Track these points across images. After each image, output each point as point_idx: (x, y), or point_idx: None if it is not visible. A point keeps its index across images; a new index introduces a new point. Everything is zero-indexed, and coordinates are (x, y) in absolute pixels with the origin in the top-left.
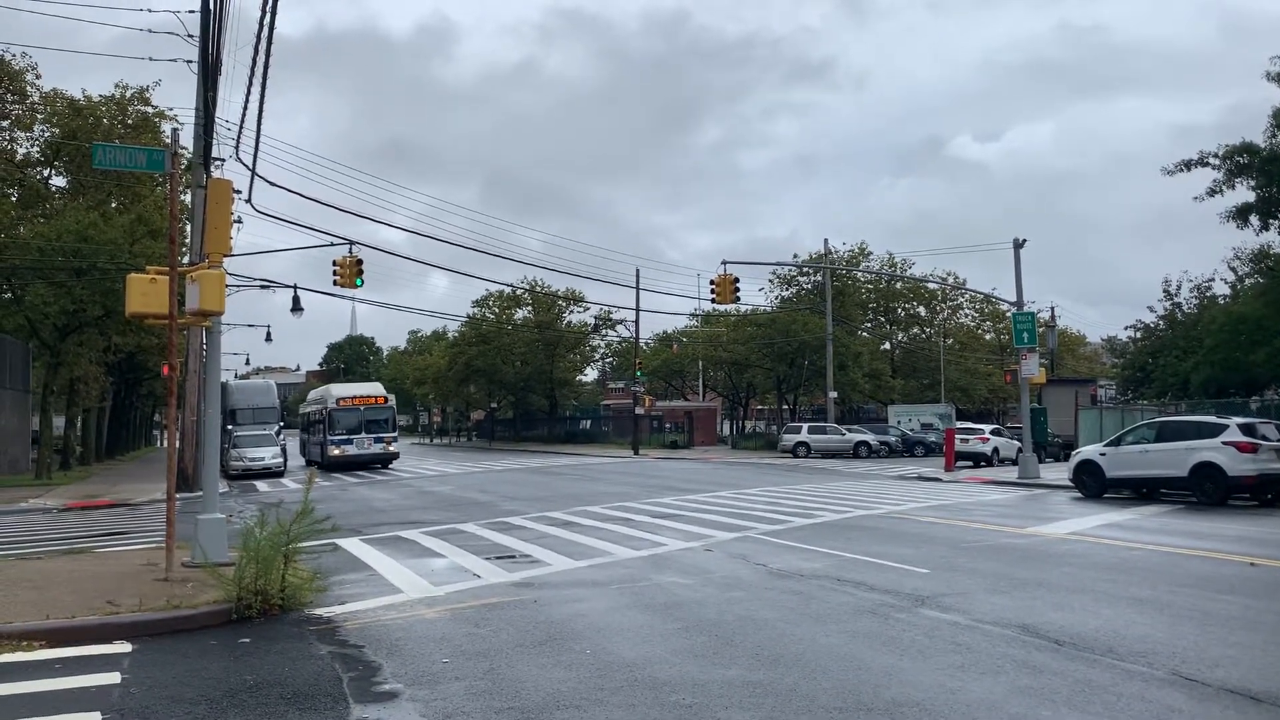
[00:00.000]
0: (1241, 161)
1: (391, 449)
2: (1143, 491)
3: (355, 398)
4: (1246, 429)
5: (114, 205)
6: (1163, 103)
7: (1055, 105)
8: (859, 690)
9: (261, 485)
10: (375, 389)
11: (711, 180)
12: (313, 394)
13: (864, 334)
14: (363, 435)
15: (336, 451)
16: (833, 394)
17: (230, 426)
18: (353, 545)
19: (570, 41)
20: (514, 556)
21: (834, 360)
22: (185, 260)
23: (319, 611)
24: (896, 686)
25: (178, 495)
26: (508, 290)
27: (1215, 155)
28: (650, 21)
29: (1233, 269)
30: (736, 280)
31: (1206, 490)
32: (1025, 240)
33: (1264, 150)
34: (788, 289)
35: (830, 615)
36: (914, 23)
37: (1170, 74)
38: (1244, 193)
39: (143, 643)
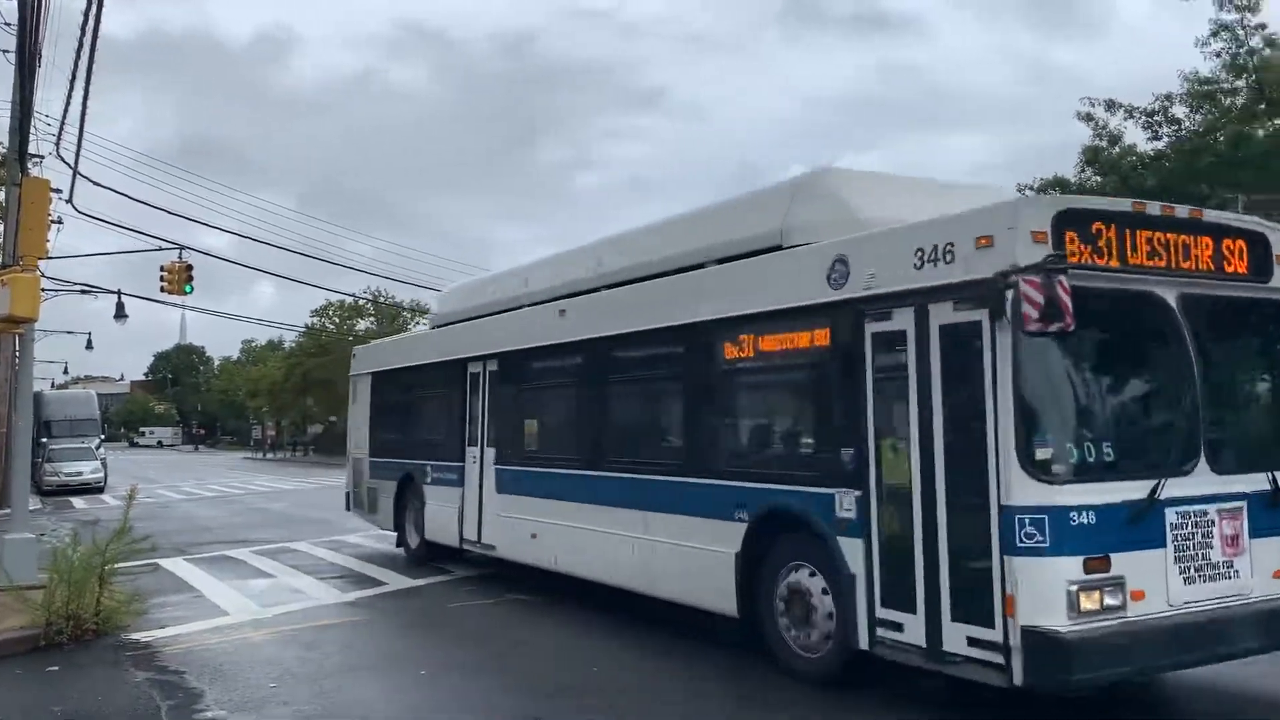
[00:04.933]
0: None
1: None
2: None
3: None
4: None
5: None
6: (976, 138)
7: (879, 139)
8: None
9: (78, 502)
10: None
11: (551, 199)
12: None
13: None
14: None
15: None
16: None
17: (45, 439)
18: (176, 565)
19: (415, 57)
20: (350, 575)
21: None
22: None
23: (137, 636)
24: None
25: None
26: (349, 300)
27: (1030, 188)
28: (497, 41)
29: None
30: None
31: None
32: None
33: (1074, 184)
34: None
35: None
36: (746, 56)
37: (981, 113)
38: None
39: None
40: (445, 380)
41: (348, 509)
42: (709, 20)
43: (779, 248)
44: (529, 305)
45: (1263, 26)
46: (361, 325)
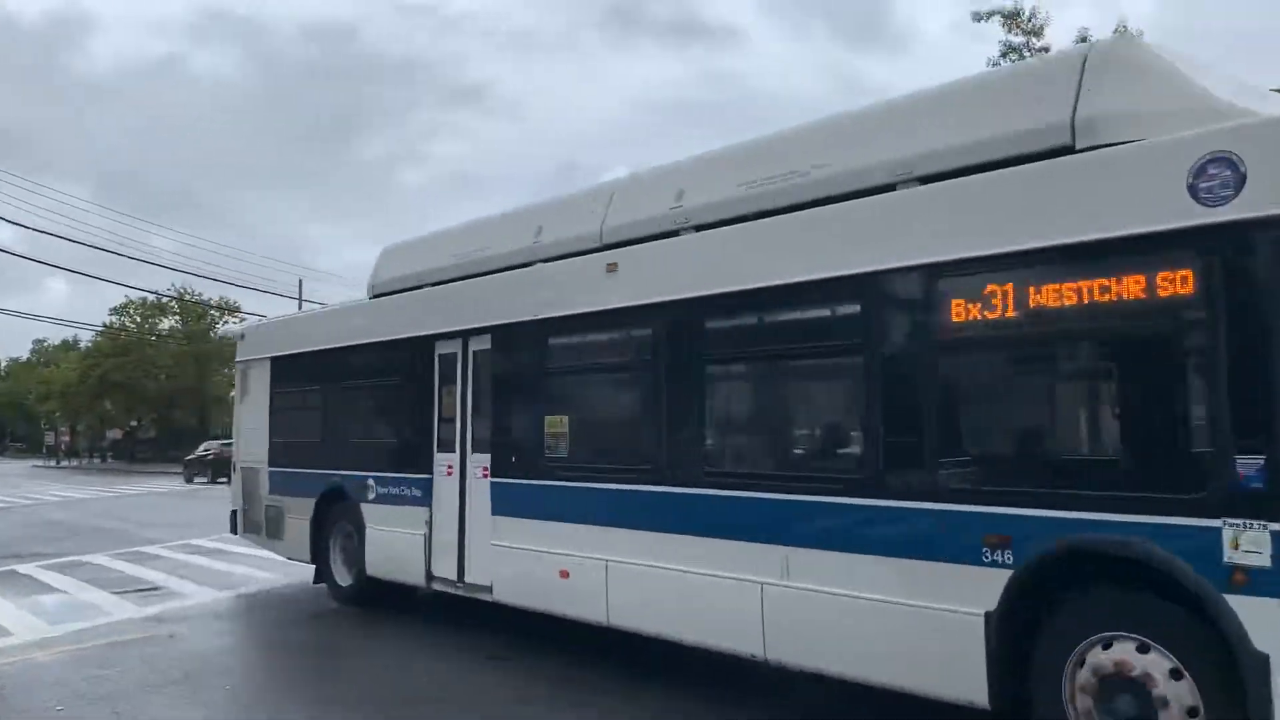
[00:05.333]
0: None
1: None
2: None
3: None
4: None
5: None
6: None
7: (700, 142)
8: None
9: None
10: None
11: (370, 195)
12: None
13: None
14: None
15: None
16: None
17: None
18: None
19: (222, 44)
20: (150, 589)
21: None
22: None
23: None
24: None
25: None
26: (152, 297)
27: None
28: (311, 31)
29: None
30: None
31: None
32: None
33: None
34: None
35: None
36: (569, 57)
37: (798, 122)
38: None
39: None
40: (397, 365)
41: (235, 532)
42: (532, 19)
43: (1068, 150)
44: (543, 261)
45: (1046, 49)
46: (165, 324)
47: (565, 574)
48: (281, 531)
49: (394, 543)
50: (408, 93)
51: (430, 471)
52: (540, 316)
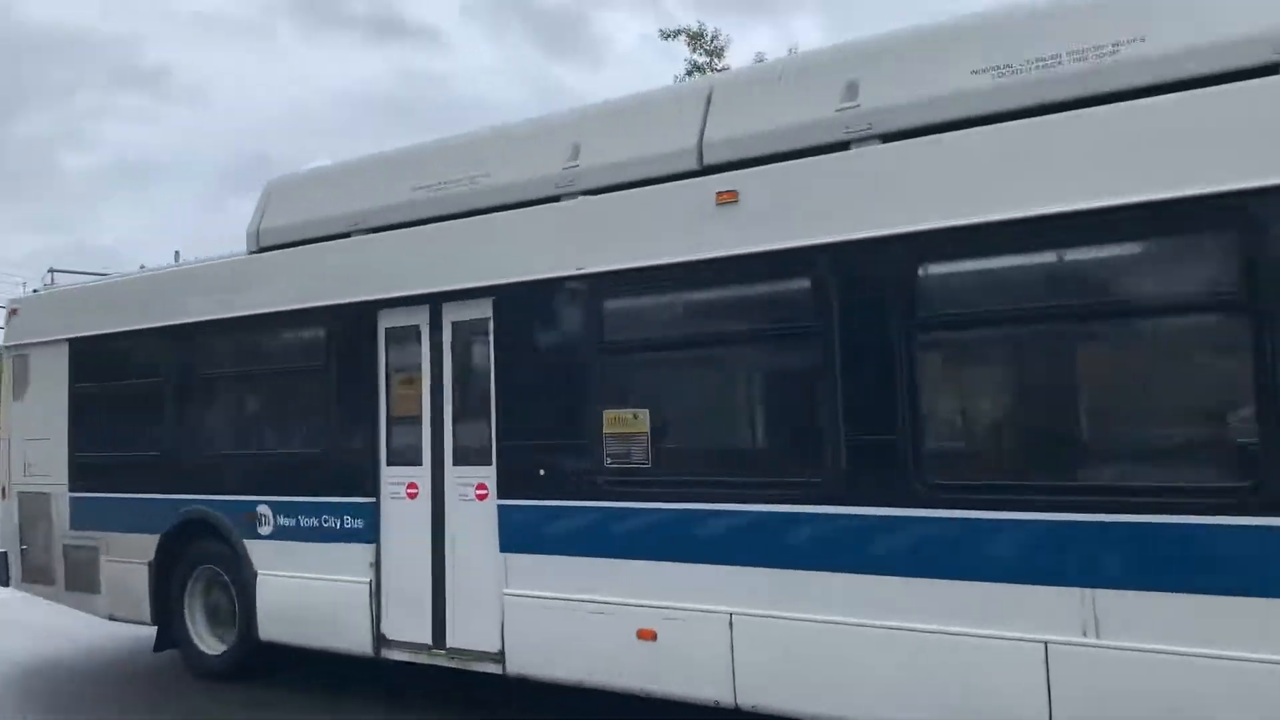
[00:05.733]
0: None
1: None
2: None
3: None
4: None
5: None
6: None
7: (402, 139)
8: None
9: None
10: None
11: (29, 178)
12: None
13: None
14: None
15: None
16: None
17: None
18: None
19: None
20: None
21: None
22: None
23: None
24: None
25: None
26: None
27: None
28: None
29: None
30: None
31: None
32: None
33: None
34: None
35: None
36: (258, 45)
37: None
38: None
39: None
40: (310, 345)
41: (5, 584)
42: (217, 2)
43: None
44: (586, 193)
45: (727, 68)
46: None
47: (649, 634)
48: (96, 582)
49: (311, 594)
50: (72, 71)
51: (375, 494)
52: (592, 270)
